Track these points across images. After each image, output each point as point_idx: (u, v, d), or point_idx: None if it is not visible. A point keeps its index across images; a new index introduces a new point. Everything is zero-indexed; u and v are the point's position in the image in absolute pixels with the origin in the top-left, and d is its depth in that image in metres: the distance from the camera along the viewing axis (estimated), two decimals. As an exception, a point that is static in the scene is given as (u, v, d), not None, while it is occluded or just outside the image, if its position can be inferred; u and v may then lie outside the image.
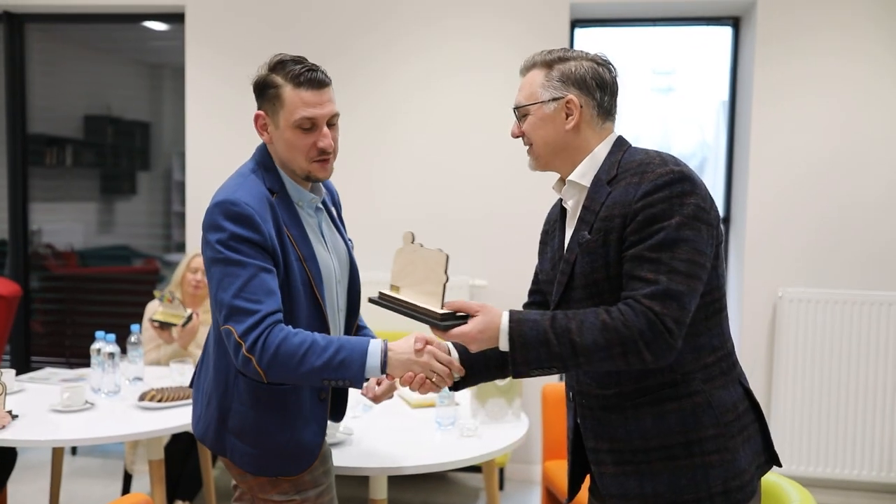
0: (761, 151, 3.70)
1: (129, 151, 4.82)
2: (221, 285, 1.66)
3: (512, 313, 1.52)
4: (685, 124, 4.12)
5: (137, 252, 4.79)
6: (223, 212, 1.68)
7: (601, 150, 1.61)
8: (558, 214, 1.71)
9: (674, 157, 1.53)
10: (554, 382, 3.12)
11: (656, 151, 1.57)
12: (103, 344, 2.74)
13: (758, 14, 3.66)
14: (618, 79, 1.64)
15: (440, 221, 3.94)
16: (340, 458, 2.14)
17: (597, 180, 1.57)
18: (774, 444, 1.63)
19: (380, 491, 2.19)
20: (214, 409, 1.83)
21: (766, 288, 3.72)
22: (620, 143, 1.63)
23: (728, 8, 3.84)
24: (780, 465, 1.63)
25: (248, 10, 4.01)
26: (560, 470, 2.93)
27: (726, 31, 3.97)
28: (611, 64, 1.64)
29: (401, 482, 3.74)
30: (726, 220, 4.02)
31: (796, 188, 3.68)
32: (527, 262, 3.84)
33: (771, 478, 1.88)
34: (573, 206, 1.62)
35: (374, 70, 3.94)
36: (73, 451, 4.16)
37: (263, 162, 1.80)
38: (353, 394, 2.66)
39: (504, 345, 1.50)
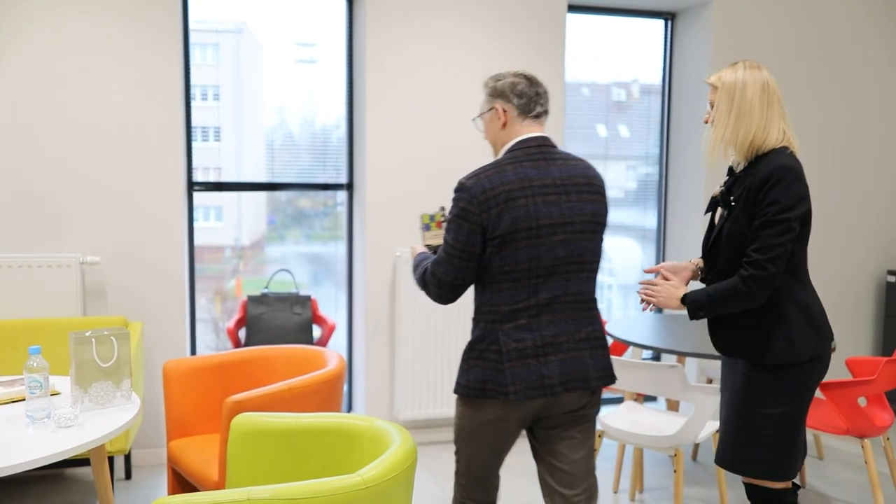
0: (375, 120, 3.91)
1: None
2: None
3: None
4: (328, 96, 4.16)
5: None
6: None
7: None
8: None
9: (479, 169, 1.95)
10: (176, 359, 2.96)
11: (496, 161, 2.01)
12: None
13: (368, -12, 3.83)
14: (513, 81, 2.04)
15: (45, 197, 3.49)
16: None
17: None
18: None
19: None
20: None
21: (386, 248, 3.96)
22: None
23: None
24: (508, 398, 1.96)
25: None
26: (186, 448, 2.80)
27: (341, 4, 4.09)
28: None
29: (5, 490, 3.29)
30: (350, 186, 4.18)
31: (407, 154, 3.96)
32: (140, 235, 3.61)
33: (378, 424, 2.01)
34: None
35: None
36: None
37: None
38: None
39: None
